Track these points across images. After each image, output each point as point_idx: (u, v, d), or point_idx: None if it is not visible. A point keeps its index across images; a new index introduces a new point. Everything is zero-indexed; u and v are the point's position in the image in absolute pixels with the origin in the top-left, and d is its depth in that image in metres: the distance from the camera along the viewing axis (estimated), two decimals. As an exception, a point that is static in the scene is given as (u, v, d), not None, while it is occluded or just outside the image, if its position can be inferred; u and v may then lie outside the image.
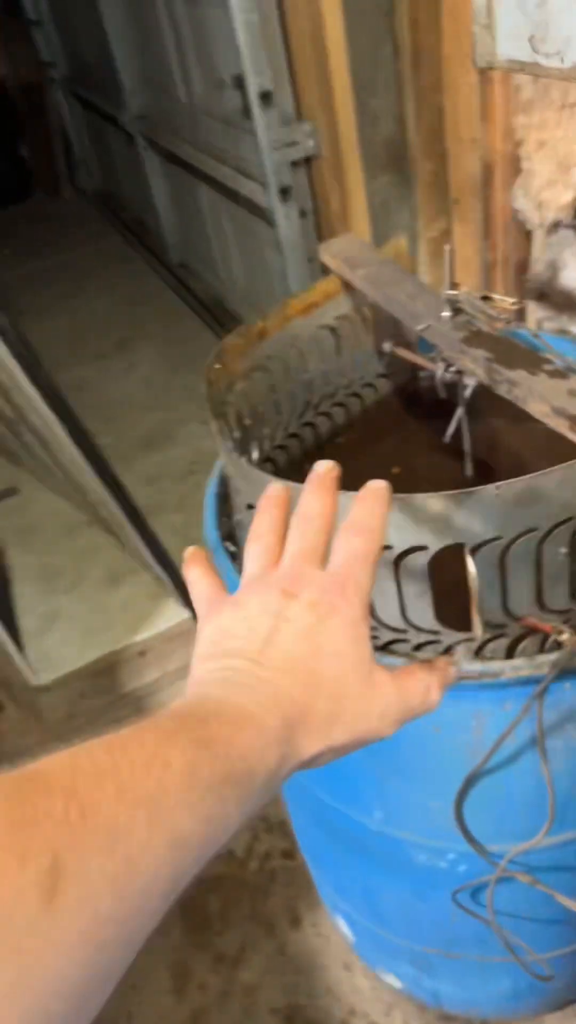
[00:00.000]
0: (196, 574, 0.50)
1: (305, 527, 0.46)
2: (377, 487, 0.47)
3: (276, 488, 0.51)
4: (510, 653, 0.70)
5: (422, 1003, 1.21)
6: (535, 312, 1.30)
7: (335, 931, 1.32)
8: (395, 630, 0.69)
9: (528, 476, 0.59)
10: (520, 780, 0.76)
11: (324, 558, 0.45)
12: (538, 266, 1.24)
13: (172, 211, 3.26)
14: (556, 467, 0.59)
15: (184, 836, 0.31)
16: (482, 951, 0.99)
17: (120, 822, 0.29)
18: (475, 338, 0.74)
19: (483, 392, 0.93)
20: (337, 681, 0.41)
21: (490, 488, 0.59)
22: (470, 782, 0.76)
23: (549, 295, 1.25)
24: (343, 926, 1.21)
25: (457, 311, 0.78)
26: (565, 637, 0.67)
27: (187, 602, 1.81)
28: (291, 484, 0.52)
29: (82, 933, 0.27)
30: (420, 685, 0.45)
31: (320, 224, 1.71)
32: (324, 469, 0.48)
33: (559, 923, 0.96)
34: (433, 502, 0.59)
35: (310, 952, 1.31)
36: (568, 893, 0.84)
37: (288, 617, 0.42)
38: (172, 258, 3.47)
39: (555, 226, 1.13)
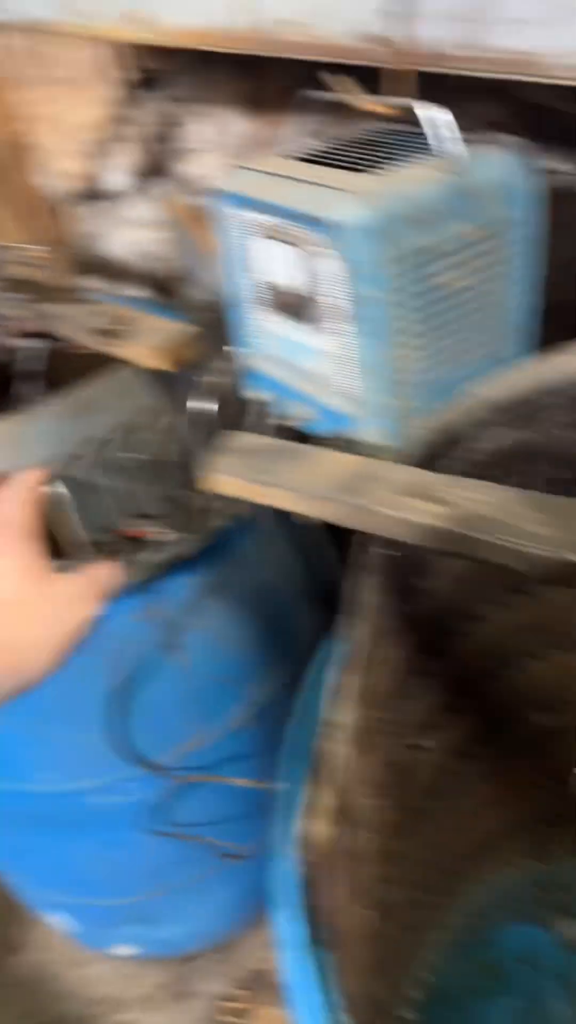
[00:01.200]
0: None
1: None
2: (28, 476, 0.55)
3: None
4: (118, 568, 0.74)
5: (162, 957, 1.23)
6: (96, 285, 1.35)
7: (56, 935, 1.27)
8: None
9: (74, 387, 0.63)
10: (163, 686, 0.81)
11: None
12: (81, 239, 1.30)
13: None
14: (97, 376, 0.64)
15: None
16: (192, 871, 1.03)
17: None
18: (16, 286, 0.76)
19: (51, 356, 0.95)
20: None
21: (41, 404, 0.61)
22: (121, 702, 0.79)
23: (99, 265, 1.31)
24: (62, 922, 1.17)
25: (-12, 265, 0.79)
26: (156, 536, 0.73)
27: None
28: None
29: None
30: None
31: None
32: None
33: (253, 816, 1.04)
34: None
35: (38, 968, 1.25)
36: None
37: None
38: None
39: (80, 196, 1.19)
